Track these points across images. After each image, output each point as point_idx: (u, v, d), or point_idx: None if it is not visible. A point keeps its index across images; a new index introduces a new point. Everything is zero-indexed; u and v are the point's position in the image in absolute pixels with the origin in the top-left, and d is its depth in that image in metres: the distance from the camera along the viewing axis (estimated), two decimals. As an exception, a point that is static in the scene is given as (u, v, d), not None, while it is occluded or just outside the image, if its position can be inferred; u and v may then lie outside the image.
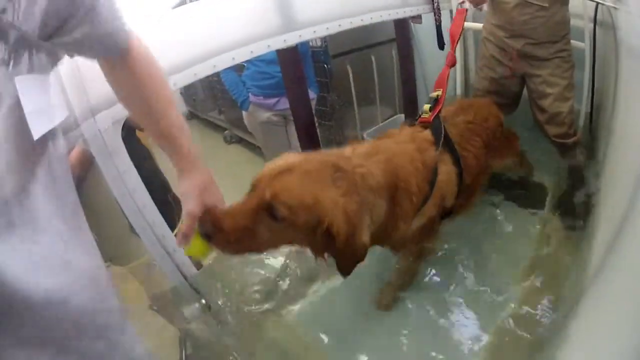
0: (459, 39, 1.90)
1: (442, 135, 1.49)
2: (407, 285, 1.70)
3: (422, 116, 1.59)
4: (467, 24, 2.54)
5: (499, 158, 1.87)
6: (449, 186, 1.50)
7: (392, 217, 1.31)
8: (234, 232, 1.08)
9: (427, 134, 1.49)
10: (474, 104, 1.90)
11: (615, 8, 1.91)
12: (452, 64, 1.83)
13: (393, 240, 1.44)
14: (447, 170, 1.49)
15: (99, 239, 1.63)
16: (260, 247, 1.15)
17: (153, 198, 1.61)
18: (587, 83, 2.14)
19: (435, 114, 1.57)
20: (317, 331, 1.68)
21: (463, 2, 2.14)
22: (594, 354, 0.94)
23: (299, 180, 1.11)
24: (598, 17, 2.03)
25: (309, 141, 2.32)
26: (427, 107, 1.59)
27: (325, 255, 1.19)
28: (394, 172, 1.30)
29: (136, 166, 1.55)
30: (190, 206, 1.07)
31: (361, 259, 1.17)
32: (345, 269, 1.18)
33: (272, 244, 1.16)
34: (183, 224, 1.07)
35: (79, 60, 1.34)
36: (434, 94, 1.64)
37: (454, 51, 1.85)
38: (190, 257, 1.17)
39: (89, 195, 1.60)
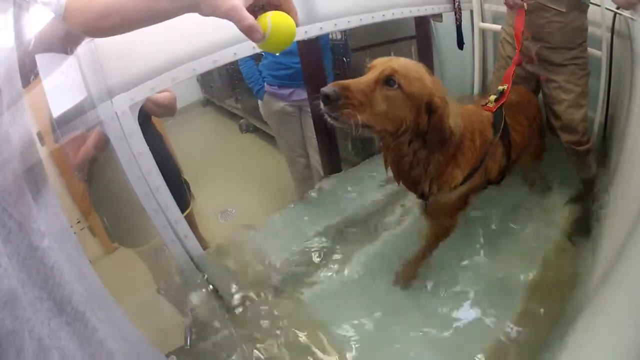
0: (521, 38, 1.88)
1: (502, 124, 1.64)
2: (424, 259, 1.82)
3: (487, 105, 1.70)
4: (485, 25, 2.52)
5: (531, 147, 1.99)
6: (495, 162, 1.67)
7: (453, 161, 1.50)
8: (358, 93, 1.25)
9: (490, 115, 1.65)
10: (518, 87, 2.02)
11: (632, 19, 1.88)
12: (519, 63, 1.89)
13: (439, 198, 1.59)
14: (496, 148, 1.65)
15: (109, 220, 1.66)
16: (375, 117, 1.29)
17: (166, 183, 1.62)
18: (603, 92, 2.10)
19: (499, 105, 1.68)
20: (327, 317, 1.69)
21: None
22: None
23: (409, 63, 1.36)
24: (616, 26, 2.00)
25: (326, 133, 2.32)
26: (492, 97, 1.71)
27: (415, 145, 1.42)
28: (466, 123, 1.49)
29: (150, 151, 1.57)
30: None
31: (446, 140, 1.38)
32: (434, 146, 1.40)
33: (384, 116, 1.31)
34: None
35: (97, 43, 1.36)
36: (500, 88, 1.73)
37: (519, 51, 1.88)
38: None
39: (101, 177, 1.62)
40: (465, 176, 1.53)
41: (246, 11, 0.83)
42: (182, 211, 1.92)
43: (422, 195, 1.60)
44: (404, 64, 1.34)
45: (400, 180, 1.59)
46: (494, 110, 1.66)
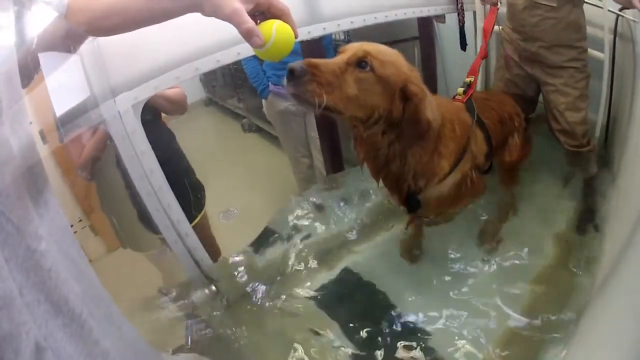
0: (490, 34, 1.94)
1: (475, 111, 1.62)
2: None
3: (455, 97, 1.71)
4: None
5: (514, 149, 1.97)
6: (479, 146, 1.63)
7: (436, 153, 1.45)
8: (327, 72, 1.17)
9: (462, 104, 1.64)
10: (493, 91, 2.20)
11: (635, 21, 1.87)
12: (484, 56, 1.92)
13: (432, 193, 1.54)
14: (477, 134, 1.62)
15: (115, 223, 1.67)
16: (344, 100, 1.22)
17: (175, 181, 1.63)
18: (605, 94, 2.08)
19: (468, 97, 1.68)
20: (324, 321, 1.70)
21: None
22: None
23: (384, 47, 1.33)
24: (618, 29, 1.99)
25: (329, 133, 2.33)
26: (460, 90, 1.70)
27: (390, 136, 1.34)
28: (445, 113, 1.44)
29: (160, 149, 1.58)
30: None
31: (423, 134, 1.31)
32: (410, 140, 1.34)
33: (355, 101, 1.24)
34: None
35: (100, 41, 1.36)
36: (467, 80, 1.74)
37: (486, 45, 1.93)
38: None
39: (106, 180, 1.62)
40: (452, 164, 1.49)
41: (247, 15, 0.84)
42: (197, 213, 1.91)
43: (408, 197, 1.54)
44: (378, 47, 1.30)
45: (379, 178, 1.52)
46: (464, 101, 1.66)
